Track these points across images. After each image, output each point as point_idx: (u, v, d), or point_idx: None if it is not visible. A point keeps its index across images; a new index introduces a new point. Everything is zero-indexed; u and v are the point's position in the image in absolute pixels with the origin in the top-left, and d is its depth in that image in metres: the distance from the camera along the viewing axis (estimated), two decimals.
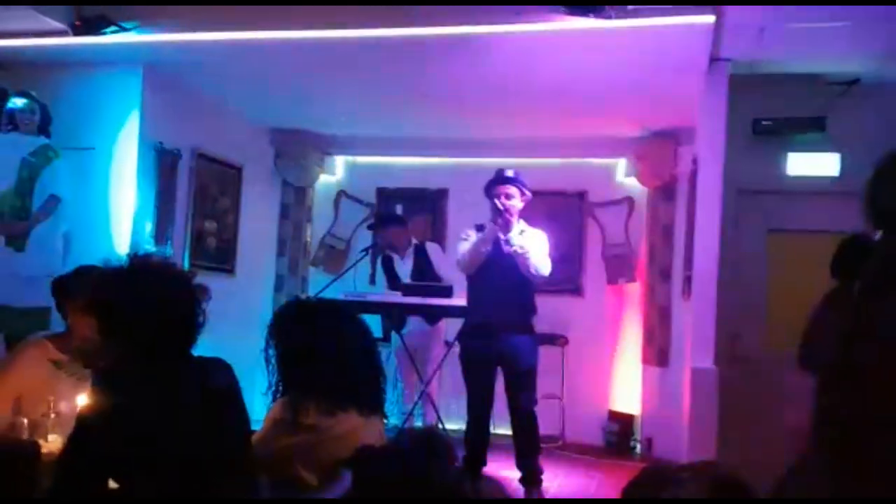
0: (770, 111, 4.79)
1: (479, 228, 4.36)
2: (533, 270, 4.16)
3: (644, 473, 2.02)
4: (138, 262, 1.84)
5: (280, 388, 2.32)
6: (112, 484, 1.77)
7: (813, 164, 4.81)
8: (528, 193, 4.32)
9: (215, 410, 1.76)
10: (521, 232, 4.27)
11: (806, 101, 4.72)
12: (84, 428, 1.71)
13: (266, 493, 2.24)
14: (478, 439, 4.26)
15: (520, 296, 4.22)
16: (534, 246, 4.21)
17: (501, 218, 4.18)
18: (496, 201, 4.20)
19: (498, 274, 4.19)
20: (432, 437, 2.06)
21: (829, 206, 4.86)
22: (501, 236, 4.22)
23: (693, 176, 5.06)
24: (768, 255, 4.91)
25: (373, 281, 6.29)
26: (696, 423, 4.21)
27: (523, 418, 4.18)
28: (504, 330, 4.15)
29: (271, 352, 2.33)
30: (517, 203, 4.24)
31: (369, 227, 6.22)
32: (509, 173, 4.35)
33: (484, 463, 4.28)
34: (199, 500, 1.66)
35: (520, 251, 4.15)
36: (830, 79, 4.66)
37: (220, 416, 1.76)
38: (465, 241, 4.34)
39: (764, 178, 4.88)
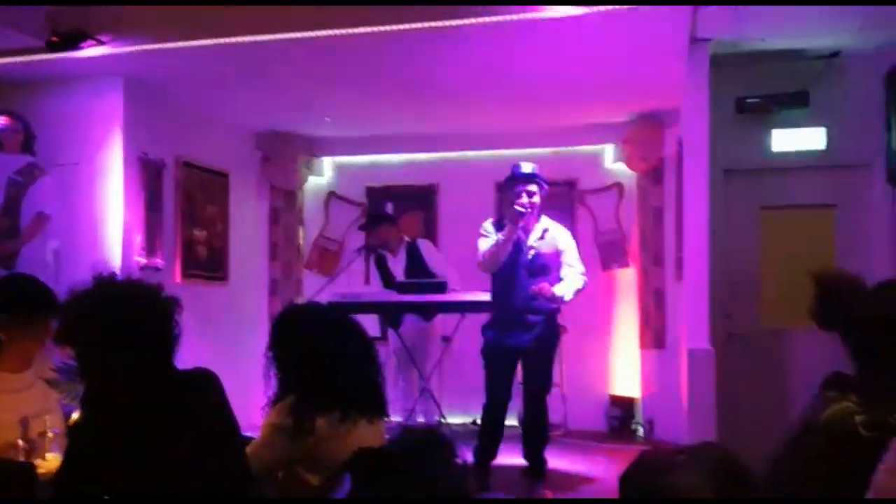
0: (753, 89, 4.79)
1: (498, 224, 4.28)
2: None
3: (641, 459, 2.03)
4: (104, 283, 1.84)
5: (280, 393, 2.33)
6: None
7: (798, 140, 4.82)
8: (546, 186, 4.26)
9: (201, 421, 1.76)
10: (545, 231, 4.23)
11: (788, 76, 4.73)
12: (74, 446, 1.73)
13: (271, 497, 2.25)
14: (493, 433, 4.24)
15: (536, 293, 4.12)
16: (568, 284, 4.18)
17: (523, 219, 4.10)
18: (518, 203, 4.10)
19: (521, 270, 4.16)
20: (432, 436, 2.06)
21: (817, 180, 4.90)
22: (523, 237, 4.18)
23: (679, 158, 5.07)
24: (758, 232, 4.93)
25: (367, 280, 6.29)
26: (695, 403, 4.23)
27: (541, 413, 4.18)
28: (529, 326, 4.12)
29: (273, 358, 2.34)
30: (537, 200, 4.16)
31: (360, 228, 6.22)
32: (528, 168, 4.22)
33: (496, 455, 4.27)
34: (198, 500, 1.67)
35: (564, 299, 4.15)
36: (811, 53, 4.67)
37: (207, 426, 1.77)
38: (486, 239, 4.24)
39: (750, 157, 4.89)
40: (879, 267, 4.41)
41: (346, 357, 2.28)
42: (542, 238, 4.20)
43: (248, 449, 2.16)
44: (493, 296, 4.30)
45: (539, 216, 4.24)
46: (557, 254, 4.22)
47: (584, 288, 4.22)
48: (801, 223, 4.90)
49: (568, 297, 4.15)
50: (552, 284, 4.15)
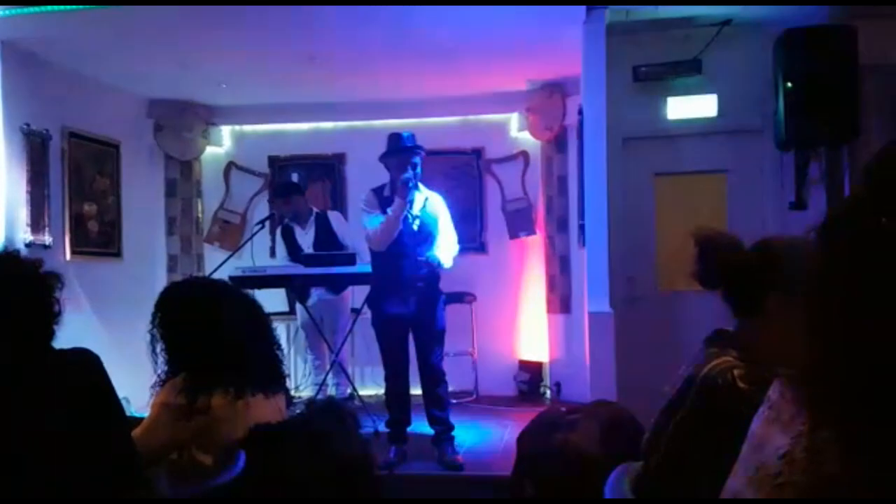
0: (649, 57, 4.88)
1: (378, 194, 4.24)
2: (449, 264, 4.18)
3: (537, 418, 2.08)
4: None
5: (167, 372, 2.24)
6: None
7: (691, 107, 4.96)
8: (424, 152, 4.25)
9: (79, 405, 1.66)
10: (426, 199, 4.22)
11: (682, 45, 4.84)
12: None
13: (162, 481, 2.16)
14: (400, 401, 4.26)
15: (426, 260, 4.16)
16: (448, 250, 4.20)
17: (409, 192, 4.06)
18: (404, 178, 4.04)
19: (405, 240, 4.14)
20: (330, 408, 2.02)
21: (709, 147, 5.07)
22: (408, 207, 4.15)
23: (581, 126, 5.14)
24: (655, 198, 5.08)
25: (273, 254, 6.15)
26: (596, 364, 4.34)
27: (435, 376, 4.21)
28: (414, 293, 4.13)
29: (157, 335, 2.24)
30: (420, 170, 4.14)
31: (271, 200, 6.06)
32: (407, 135, 4.20)
33: (409, 423, 4.30)
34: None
35: (444, 266, 4.16)
36: (704, 21, 4.79)
37: (85, 410, 1.67)
38: (370, 215, 4.18)
39: (646, 125, 5.00)
40: (771, 231, 4.61)
41: (237, 331, 2.20)
42: (424, 207, 4.21)
43: (137, 430, 2.07)
44: (378, 267, 4.28)
45: (419, 185, 4.25)
46: (437, 221, 4.26)
47: (457, 253, 4.30)
48: (695, 189, 5.07)
49: (448, 264, 4.20)
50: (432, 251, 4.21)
